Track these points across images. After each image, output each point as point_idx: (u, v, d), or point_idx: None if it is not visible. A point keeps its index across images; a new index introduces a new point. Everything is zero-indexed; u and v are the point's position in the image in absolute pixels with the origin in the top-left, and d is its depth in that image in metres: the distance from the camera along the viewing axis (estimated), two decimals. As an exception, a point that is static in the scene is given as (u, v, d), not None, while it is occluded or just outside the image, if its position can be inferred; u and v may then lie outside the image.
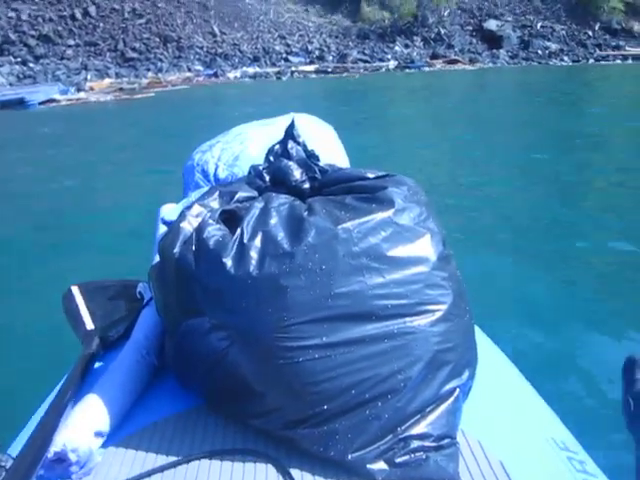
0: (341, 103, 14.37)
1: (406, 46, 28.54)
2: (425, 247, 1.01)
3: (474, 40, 29.02)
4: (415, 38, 29.08)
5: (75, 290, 1.39)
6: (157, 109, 15.37)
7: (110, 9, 27.53)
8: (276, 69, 24.96)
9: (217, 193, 1.08)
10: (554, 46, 27.71)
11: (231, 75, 23.84)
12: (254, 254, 0.98)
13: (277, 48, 27.69)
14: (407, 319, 0.98)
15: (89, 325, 1.28)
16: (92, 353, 1.16)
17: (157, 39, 26.68)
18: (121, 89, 20.47)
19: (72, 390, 1.04)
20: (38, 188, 6.80)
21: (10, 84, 21.75)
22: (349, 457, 0.96)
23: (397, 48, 28.22)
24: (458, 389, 1.01)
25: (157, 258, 1.08)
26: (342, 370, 0.97)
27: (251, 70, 24.67)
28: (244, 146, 1.58)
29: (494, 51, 27.54)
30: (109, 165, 8.02)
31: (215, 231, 1.01)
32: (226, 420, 1.05)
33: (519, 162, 7.05)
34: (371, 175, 1.06)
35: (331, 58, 26.92)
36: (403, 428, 0.98)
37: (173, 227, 1.04)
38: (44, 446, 0.93)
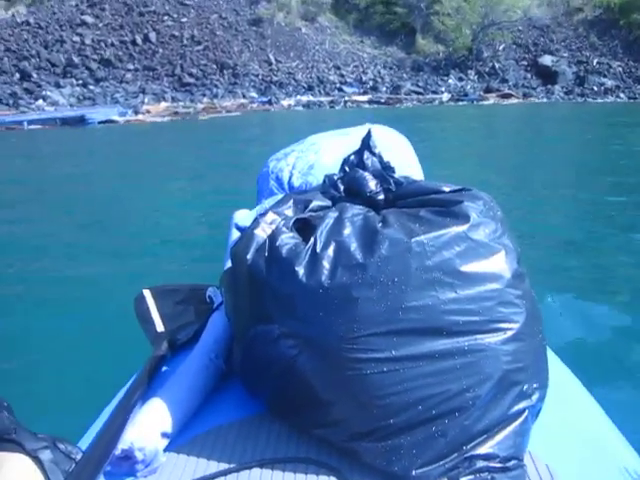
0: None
1: (460, 79, 28.72)
2: (499, 264, 0.99)
3: (528, 75, 29.07)
4: (469, 71, 29.31)
5: (147, 293, 1.43)
6: (210, 131, 15.75)
7: (170, 35, 28.57)
8: (329, 98, 25.34)
9: (291, 201, 1.09)
10: (610, 83, 27.42)
11: (285, 103, 24.25)
12: (326, 264, 0.98)
13: (331, 78, 28.20)
14: (478, 336, 0.97)
15: (159, 327, 1.30)
16: (161, 355, 1.18)
17: (214, 65, 27.49)
18: (176, 113, 21.17)
19: (141, 390, 1.06)
20: (103, 193, 7.06)
21: (70, 105, 22.66)
22: (413, 473, 0.94)
23: (451, 81, 28.40)
24: (527, 410, 0.99)
25: (229, 263, 1.10)
26: (410, 384, 0.96)
27: (305, 99, 25.09)
28: (319, 155, 1.60)
29: (548, 86, 27.48)
30: (173, 180, 8.24)
31: (288, 239, 1.02)
32: (290, 428, 1.05)
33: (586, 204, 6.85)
34: (446, 189, 1.05)
35: (384, 89, 27.22)
36: (469, 447, 0.96)
37: (247, 233, 1.05)
38: (112, 443, 0.95)
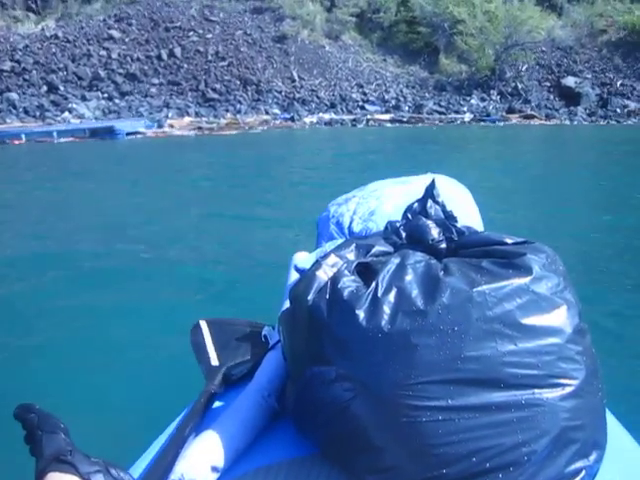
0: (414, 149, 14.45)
1: (482, 99, 28.82)
2: (561, 318, 0.99)
3: (551, 96, 29.16)
4: (492, 92, 29.40)
5: (203, 325, 1.43)
6: (235, 146, 15.90)
7: (194, 51, 28.96)
8: (352, 116, 25.45)
9: (354, 245, 1.10)
10: (633, 105, 27.40)
11: (307, 120, 24.42)
12: (387, 309, 0.99)
13: (354, 96, 28.34)
14: (536, 390, 0.96)
15: (214, 361, 1.31)
16: (215, 389, 1.19)
17: (237, 81, 27.81)
18: (200, 128, 21.45)
19: (193, 422, 1.06)
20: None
21: (95, 118, 22.99)
22: (465, 527, 0.93)
23: (473, 101, 28.48)
24: (584, 471, 0.97)
25: (287, 304, 1.10)
26: (465, 435, 0.95)
27: (327, 116, 25.22)
28: (380, 202, 1.61)
29: (571, 108, 27.42)
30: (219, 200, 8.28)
31: (350, 282, 1.02)
32: (340, 472, 1.04)
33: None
34: (509, 241, 1.06)
35: (407, 108, 27.32)
36: (522, 504, 0.95)
37: (308, 275, 1.06)
38: (164, 474, 0.95)
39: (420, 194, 1.18)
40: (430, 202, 1.13)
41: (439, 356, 0.96)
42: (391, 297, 0.99)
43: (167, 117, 23.21)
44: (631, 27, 30.83)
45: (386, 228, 1.16)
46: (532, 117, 25.92)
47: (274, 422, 1.16)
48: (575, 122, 25.46)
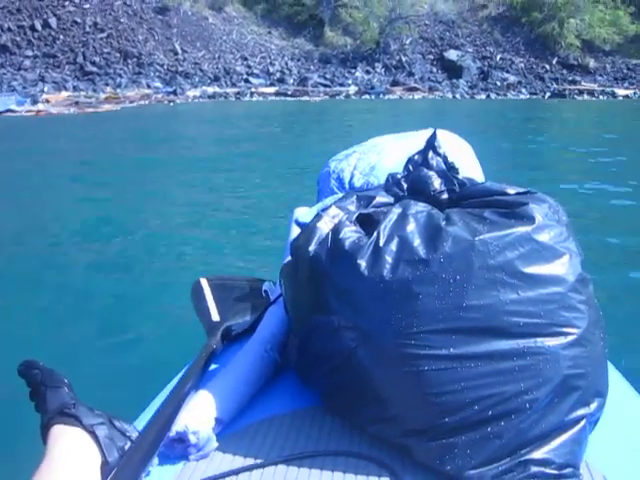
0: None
1: (367, 72, 28.74)
2: (563, 267, 0.98)
3: (434, 69, 29.44)
4: (376, 64, 29.35)
5: (203, 282, 1.44)
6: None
7: (71, 22, 27.33)
8: (236, 90, 24.82)
9: (354, 197, 1.10)
10: (512, 78, 28.10)
11: (190, 94, 23.61)
12: (389, 258, 0.99)
13: (238, 69, 27.65)
14: (538, 339, 0.96)
15: (215, 317, 1.31)
16: (216, 344, 1.19)
17: (117, 54, 26.52)
18: (77, 103, 20.14)
19: (195, 376, 1.07)
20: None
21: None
22: (466, 474, 0.93)
23: (358, 74, 28.32)
24: (585, 418, 0.97)
25: (289, 257, 1.11)
26: (467, 384, 0.95)
27: (210, 90, 24.52)
28: (380, 157, 1.61)
29: (454, 81, 27.75)
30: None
31: (351, 233, 1.02)
32: (342, 422, 1.05)
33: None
34: (511, 191, 1.05)
35: (292, 81, 26.83)
36: (524, 451, 0.94)
37: (309, 226, 1.06)
38: (167, 424, 0.96)
39: (420, 149, 1.18)
40: (431, 153, 1.13)
41: (441, 305, 0.96)
42: (393, 246, 0.99)
43: (43, 92, 21.48)
44: (510, 2, 31.83)
45: (387, 180, 1.16)
46: (415, 90, 25.94)
47: (276, 375, 1.17)
48: (457, 95, 25.73)
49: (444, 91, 26.51)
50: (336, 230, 1.03)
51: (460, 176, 1.12)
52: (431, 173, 1.11)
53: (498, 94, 26.10)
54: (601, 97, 25.79)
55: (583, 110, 20.94)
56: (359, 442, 1.01)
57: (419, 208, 1.03)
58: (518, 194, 1.05)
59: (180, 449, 0.99)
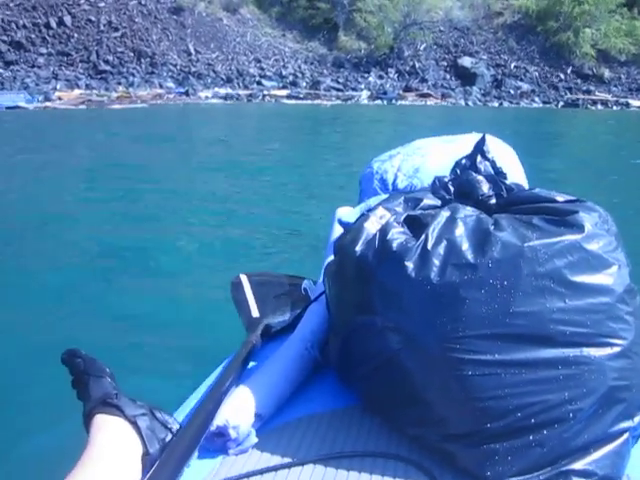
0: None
1: (380, 77, 28.48)
2: (611, 278, 0.98)
3: (448, 75, 29.16)
4: (390, 70, 29.11)
5: (244, 278, 1.44)
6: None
7: (86, 20, 27.02)
8: (248, 92, 24.65)
9: (402, 198, 1.09)
10: (526, 86, 27.95)
11: (202, 95, 23.48)
12: (436, 261, 0.98)
13: (251, 71, 27.38)
14: (584, 349, 0.95)
15: (254, 313, 1.32)
16: (256, 340, 1.19)
17: (131, 53, 26.27)
18: (90, 101, 20.13)
19: (235, 372, 1.07)
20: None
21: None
22: (506, 480, 0.93)
23: (371, 79, 28.08)
24: (628, 432, 0.97)
25: (332, 256, 1.10)
26: (511, 391, 0.95)
27: (223, 91, 24.33)
28: (425, 159, 1.60)
29: (467, 88, 27.49)
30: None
31: (399, 234, 1.02)
32: (381, 424, 1.04)
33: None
34: (560, 198, 1.05)
35: (304, 84, 26.61)
36: (565, 461, 0.94)
37: (355, 226, 1.06)
38: (208, 418, 0.96)
39: (464, 153, 1.17)
40: (480, 157, 1.13)
41: (488, 310, 0.96)
42: (441, 249, 0.99)
43: (55, 89, 21.38)
44: (525, 10, 31.52)
45: (434, 183, 1.15)
46: (428, 96, 25.85)
47: (316, 374, 1.17)
48: (470, 102, 25.43)
49: (457, 98, 26.37)
50: (384, 231, 1.02)
51: (507, 181, 1.12)
52: (479, 177, 1.10)
53: (511, 102, 26.01)
54: (615, 107, 25.78)
55: (598, 121, 20.72)
56: (398, 444, 1.01)
57: (467, 212, 1.03)
58: (567, 202, 1.04)
59: (220, 443, 0.99)
